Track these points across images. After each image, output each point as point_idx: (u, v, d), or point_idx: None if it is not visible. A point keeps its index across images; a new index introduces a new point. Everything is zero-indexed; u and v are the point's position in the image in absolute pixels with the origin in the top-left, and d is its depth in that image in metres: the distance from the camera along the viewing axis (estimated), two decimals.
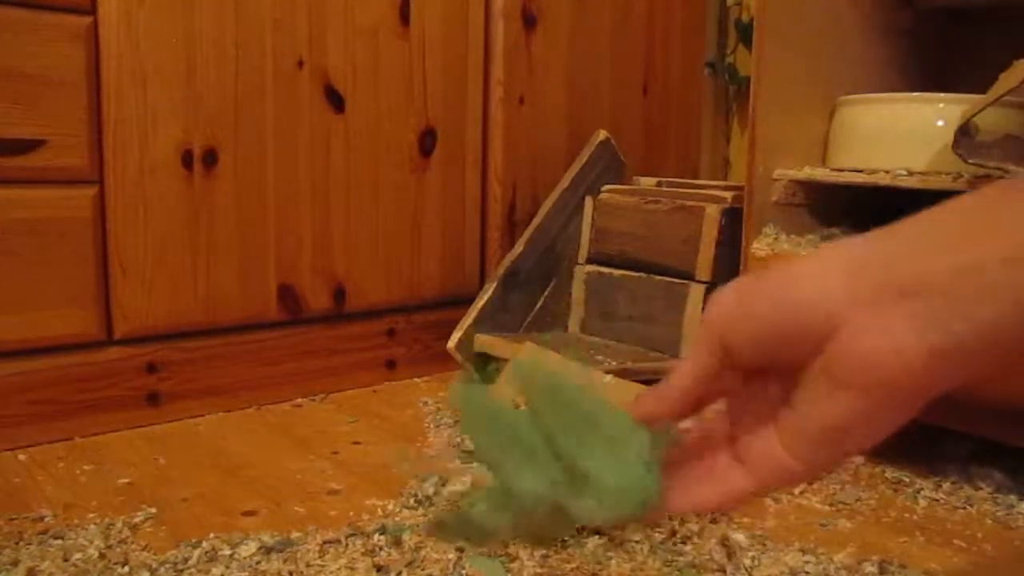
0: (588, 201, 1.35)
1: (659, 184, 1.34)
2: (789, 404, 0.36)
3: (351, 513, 0.81)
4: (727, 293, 0.37)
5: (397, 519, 0.79)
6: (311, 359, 1.20)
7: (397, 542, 0.73)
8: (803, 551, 0.74)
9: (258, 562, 0.70)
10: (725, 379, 0.39)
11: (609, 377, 1.08)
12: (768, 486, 0.38)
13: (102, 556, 0.71)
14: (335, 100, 1.17)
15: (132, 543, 0.74)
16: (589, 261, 1.34)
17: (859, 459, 0.96)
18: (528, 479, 0.39)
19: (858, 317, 0.32)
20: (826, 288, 0.34)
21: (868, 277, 0.33)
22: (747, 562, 0.71)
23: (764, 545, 0.75)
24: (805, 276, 0.35)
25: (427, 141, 1.28)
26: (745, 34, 1.71)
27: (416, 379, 1.30)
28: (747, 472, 0.38)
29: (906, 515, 0.84)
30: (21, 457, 0.95)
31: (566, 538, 0.74)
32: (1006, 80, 0.89)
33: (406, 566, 0.69)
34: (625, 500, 0.38)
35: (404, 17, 1.23)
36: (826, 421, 0.34)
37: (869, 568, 0.72)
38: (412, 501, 0.82)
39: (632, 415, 0.40)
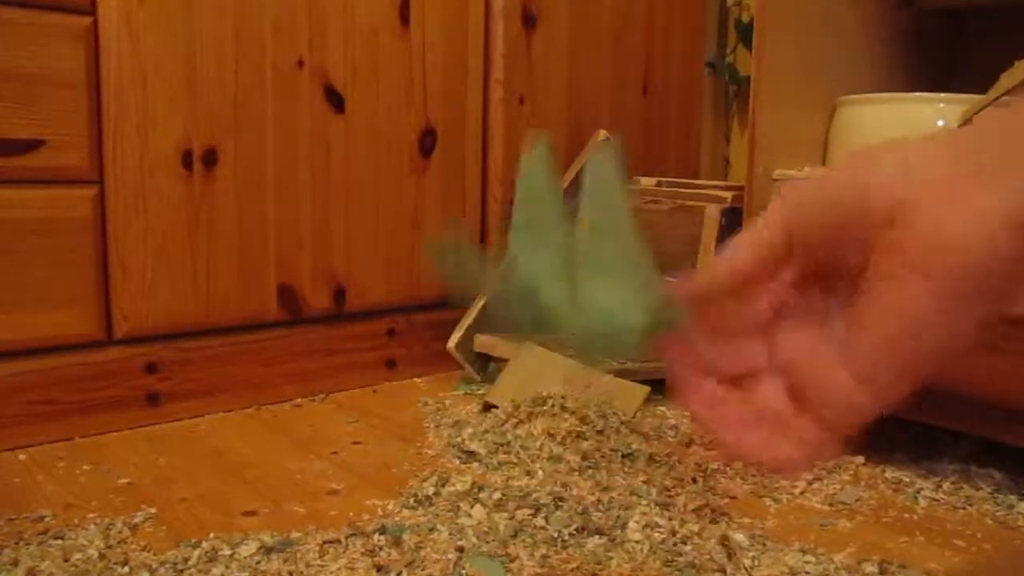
0: None
1: (659, 184, 1.34)
2: (851, 314, 0.33)
3: (351, 513, 0.81)
4: (807, 180, 0.35)
5: (397, 519, 0.79)
6: (311, 359, 1.20)
7: (397, 542, 0.73)
8: (803, 551, 0.74)
9: (258, 562, 0.70)
10: (779, 272, 0.36)
11: (609, 377, 1.08)
12: (833, 424, 0.34)
13: (102, 556, 0.71)
14: (335, 100, 1.17)
15: (132, 543, 0.74)
16: None
17: (859, 459, 0.96)
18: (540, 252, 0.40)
19: (936, 192, 0.30)
20: (906, 169, 0.31)
21: (952, 157, 0.31)
22: (747, 562, 0.71)
23: (764, 545, 0.75)
24: (886, 158, 0.32)
25: (427, 141, 1.28)
26: (745, 34, 1.71)
27: (416, 379, 1.30)
28: (811, 419, 0.34)
29: (906, 515, 0.84)
30: (21, 457, 0.95)
31: (566, 537, 0.74)
32: (1007, 80, 0.89)
33: (406, 566, 0.69)
34: (611, 321, 0.37)
35: (404, 17, 1.23)
36: (895, 316, 0.31)
37: (869, 568, 0.72)
38: (412, 501, 0.82)
39: (674, 287, 0.38)
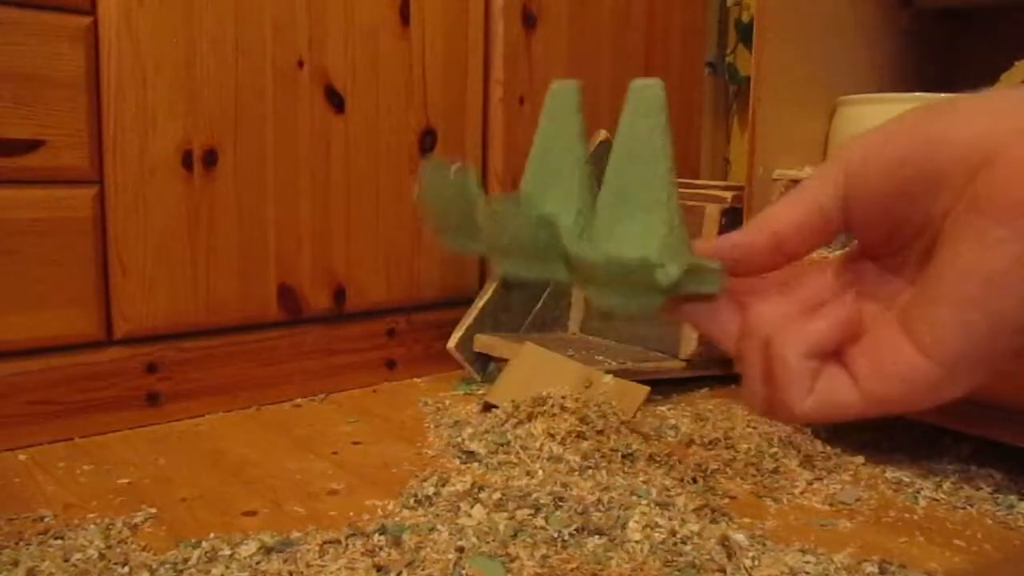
0: None
1: None
2: (916, 284, 0.29)
3: (351, 513, 0.81)
4: (868, 133, 0.31)
5: (397, 519, 0.79)
6: (311, 359, 1.20)
7: (397, 542, 0.73)
8: (803, 551, 0.74)
9: (258, 562, 0.70)
10: (829, 240, 0.32)
11: (609, 377, 1.08)
12: (887, 400, 0.30)
13: (102, 556, 0.71)
14: (335, 100, 1.17)
15: (132, 543, 0.74)
16: None
17: (859, 459, 0.96)
18: (555, 194, 0.35)
19: (1020, 144, 0.27)
20: (992, 119, 0.28)
21: None
22: (747, 562, 0.71)
23: (764, 545, 0.75)
24: (964, 108, 0.29)
25: (427, 141, 1.28)
26: (745, 34, 1.71)
27: (416, 379, 1.30)
28: (860, 386, 0.30)
29: (906, 515, 0.84)
30: (21, 457, 0.95)
31: (566, 537, 0.74)
32: (1007, 80, 0.89)
33: (406, 566, 0.69)
34: (636, 268, 0.32)
35: (404, 17, 1.23)
36: (972, 276, 0.27)
37: (869, 568, 0.72)
38: (412, 501, 0.82)
39: (707, 247, 0.34)
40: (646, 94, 0.34)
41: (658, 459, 0.92)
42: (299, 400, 1.18)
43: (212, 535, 0.75)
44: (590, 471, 0.89)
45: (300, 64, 1.13)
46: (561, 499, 0.81)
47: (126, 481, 0.89)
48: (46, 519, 0.79)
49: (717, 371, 1.25)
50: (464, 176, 0.35)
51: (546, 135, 0.38)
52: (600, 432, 0.96)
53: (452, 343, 1.25)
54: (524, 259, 0.35)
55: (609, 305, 0.33)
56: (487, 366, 1.28)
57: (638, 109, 0.34)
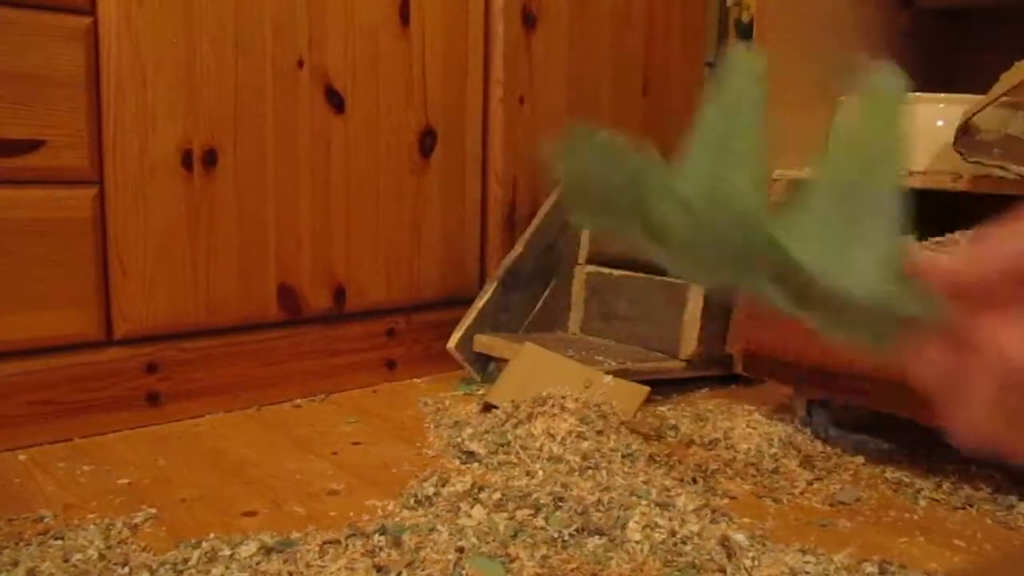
0: None
1: None
2: None
3: (351, 513, 0.81)
4: None
5: (397, 519, 0.79)
6: (311, 359, 1.20)
7: (397, 542, 0.73)
8: (803, 551, 0.74)
9: (258, 562, 0.70)
10: None
11: (609, 377, 1.08)
12: None
13: (102, 556, 0.71)
14: (335, 100, 1.17)
15: (132, 543, 0.74)
16: (589, 261, 1.34)
17: (859, 459, 0.96)
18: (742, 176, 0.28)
19: None
20: None
21: None
22: (747, 562, 0.71)
23: (764, 545, 0.75)
24: None
25: (427, 141, 1.28)
26: (745, 34, 1.71)
27: (416, 379, 1.30)
28: None
29: (906, 515, 0.84)
30: (21, 457, 0.95)
31: (566, 538, 0.74)
32: (1007, 80, 0.89)
33: (406, 566, 0.69)
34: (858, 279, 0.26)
35: (404, 17, 1.23)
36: None
37: (869, 568, 0.72)
38: (412, 501, 0.82)
39: (922, 270, 0.28)
40: (884, 87, 0.28)
41: (658, 459, 0.92)
42: (299, 400, 1.18)
43: (212, 535, 0.75)
44: (590, 471, 0.89)
45: (300, 64, 1.13)
46: (561, 499, 0.81)
47: (126, 481, 0.89)
48: (46, 519, 0.79)
49: (717, 371, 1.25)
50: (629, 152, 0.29)
51: (723, 112, 0.32)
52: (600, 432, 0.96)
53: (452, 343, 1.25)
54: (714, 265, 0.30)
55: (836, 334, 0.27)
56: (487, 366, 1.28)
57: (874, 103, 0.28)
